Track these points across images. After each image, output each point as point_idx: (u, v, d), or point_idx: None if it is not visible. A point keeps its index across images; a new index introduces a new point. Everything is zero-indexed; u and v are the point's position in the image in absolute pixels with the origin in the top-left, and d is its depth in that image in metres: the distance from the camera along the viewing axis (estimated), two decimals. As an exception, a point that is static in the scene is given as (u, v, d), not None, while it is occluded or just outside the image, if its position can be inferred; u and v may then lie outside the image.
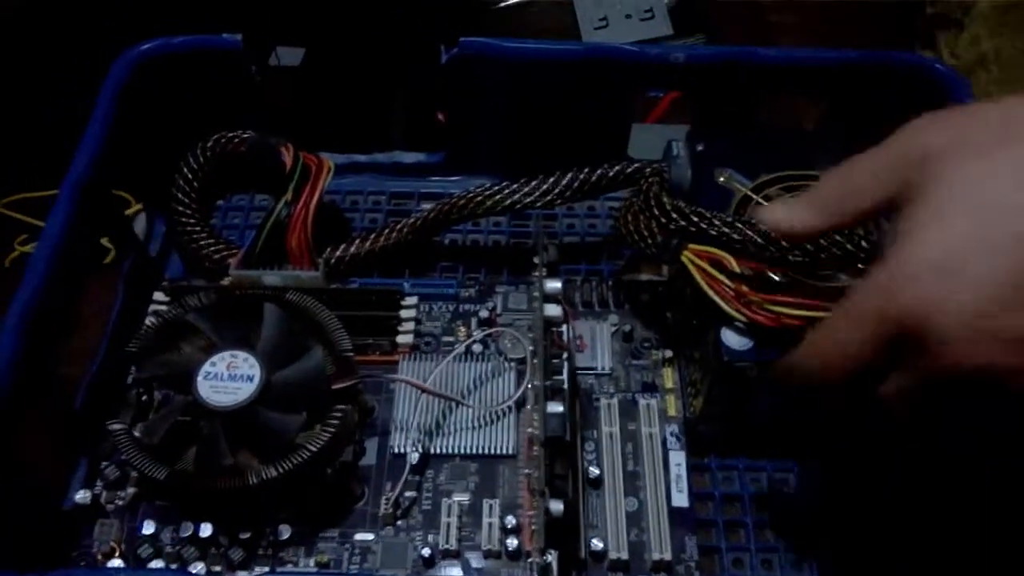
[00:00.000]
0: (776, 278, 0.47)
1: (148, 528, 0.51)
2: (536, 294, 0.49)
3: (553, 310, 0.47)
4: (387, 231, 0.60)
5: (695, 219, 0.50)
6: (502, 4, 0.86)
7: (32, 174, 0.75)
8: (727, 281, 0.47)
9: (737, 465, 0.55)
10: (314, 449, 0.47)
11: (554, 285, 0.48)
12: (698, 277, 0.48)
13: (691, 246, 0.49)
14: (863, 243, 0.50)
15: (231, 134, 0.60)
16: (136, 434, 0.49)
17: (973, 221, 0.33)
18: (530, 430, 0.50)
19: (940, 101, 0.56)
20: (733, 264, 0.47)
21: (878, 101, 0.57)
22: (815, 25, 0.85)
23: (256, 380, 0.48)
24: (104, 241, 0.60)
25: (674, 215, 0.51)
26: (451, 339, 0.59)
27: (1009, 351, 0.33)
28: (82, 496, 0.51)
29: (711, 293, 0.47)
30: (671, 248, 0.50)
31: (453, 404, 0.55)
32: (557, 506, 0.43)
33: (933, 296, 0.33)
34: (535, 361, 0.48)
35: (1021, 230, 0.33)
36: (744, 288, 0.46)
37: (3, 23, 0.76)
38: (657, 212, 0.52)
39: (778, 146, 0.56)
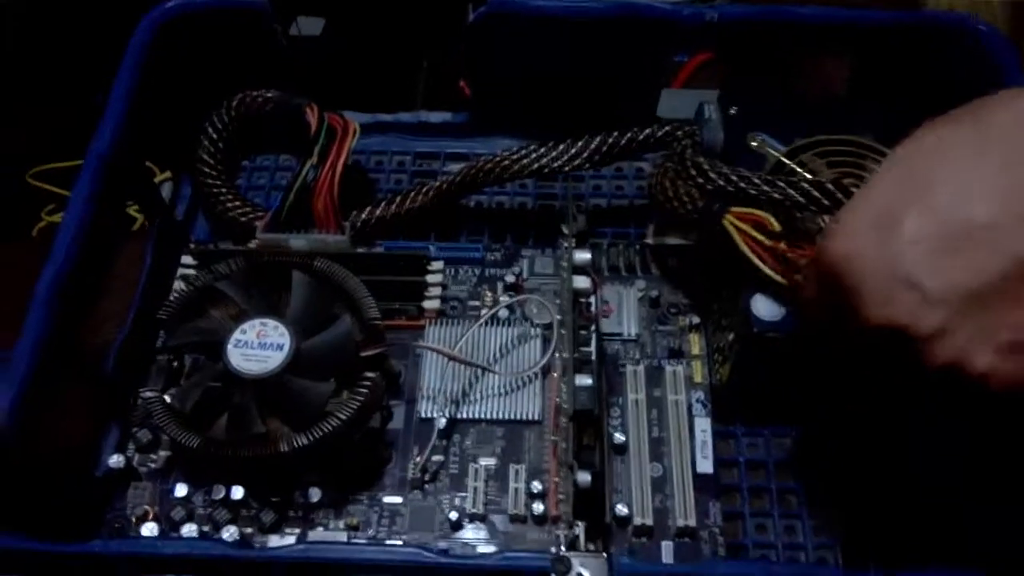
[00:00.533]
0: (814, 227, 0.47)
1: (181, 491, 0.51)
2: (564, 264, 0.48)
3: (582, 282, 0.47)
4: (413, 194, 0.59)
5: (735, 179, 0.49)
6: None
7: (57, 144, 0.76)
8: (770, 243, 0.46)
9: (763, 432, 0.55)
10: (344, 417, 0.47)
11: (583, 256, 0.48)
12: (740, 241, 0.47)
13: (733, 209, 0.48)
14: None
15: (255, 93, 0.60)
16: (168, 401, 0.49)
17: (921, 185, 0.33)
18: (558, 400, 0.50)
19: (982, 62, 0.55)
20: (775, 224, 0.47)
21: (914, 62, 0.56)
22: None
23: (286, 348, 0.48)
24: (131, 210, 0.60)
25: (712, 175, 0.50)
26: (477, 303, 0.59)
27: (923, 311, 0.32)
28: (115, 460, 0.51)
29: (754, 258, 0.47)
30: (713, 212, 0.49)
31: (479, 370, 0.55)
32: (585, 477, 0.43)
33: (859, 246, 0.33)
34: (562, 331, 0.48)
35: (966, 207, 0.32)
36: (783, 246, 0.45)
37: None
38: (695, 173, 0.51)
39: (811, 111, 0.55)
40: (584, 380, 0.44)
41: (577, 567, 0.39)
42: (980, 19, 0.56)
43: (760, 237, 0.47)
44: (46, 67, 0.75)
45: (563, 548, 0.40)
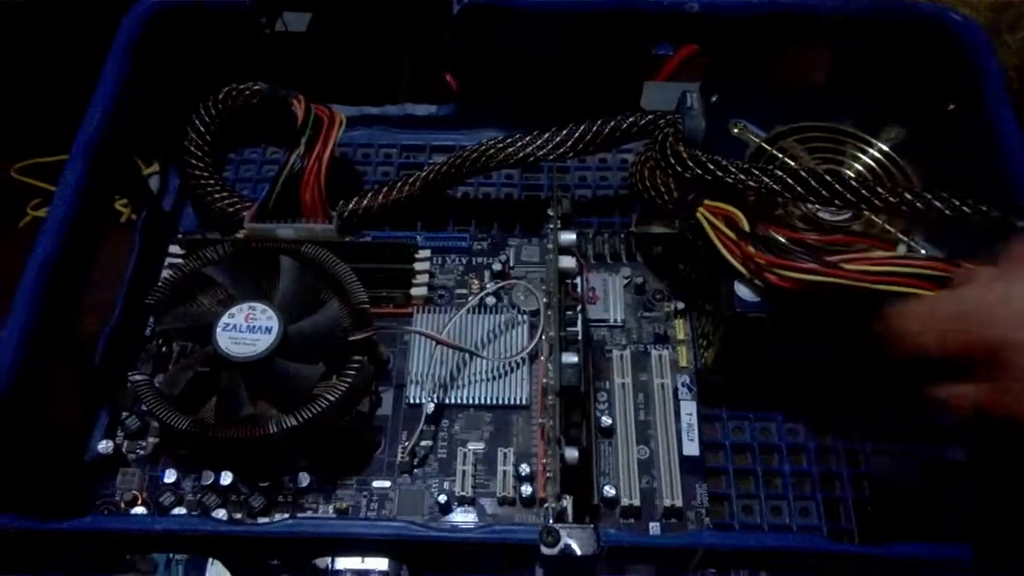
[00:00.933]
0: (781, 240, 0.48)
1: (169, 477, 0.52)
2: (550, 246, 0.49)
3: (567, 262, 0.48)
4: (400, 184, 0.60)
5: (711, 167, 0.50)
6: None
7: (42, 139, 0.75)
8: (738, 239, 0.47)
9: (747, 415, 0.56)
10: (332, 399, 0.47)
11: (568, 237, 0.48)
12: (712, 234, 0.48)
13: (706, 203, 0.49)
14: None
15: (242, 86, 0.60)
16: (157, 385, 0.49)
17: None
18: (544, 380, 0.50)
19: (957, 53, 0.56)
20: (744, 224, 0.48)
21: (892, 52, 0.57)
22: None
23: (274, 331, 0.49)
24: (119, 205, 0.60)
25: (690, 163, 0.51)
26: (464, 292, 0.59)
27: None
28: (104, 446, 0.52)
29: (723, 251, 0.48)
30: (686, 204, 0.50)
31: (467, 355, 0.55)
32: (572, 453, 0.44)
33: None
34: (549, 313, 0.49)
35: None
36: (750, 250, 0.46)
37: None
38: (673, 161, 0.52)
39: (792, 98, 0.56)
40: (570, 358, 0.44)
41: (565, 538, 0.39)
42: (956, 10, 0.57)
43: (729, 232, 0.48)
44: (31, 61, 0.75)
45: (551, 521, 0.40)
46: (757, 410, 0.56)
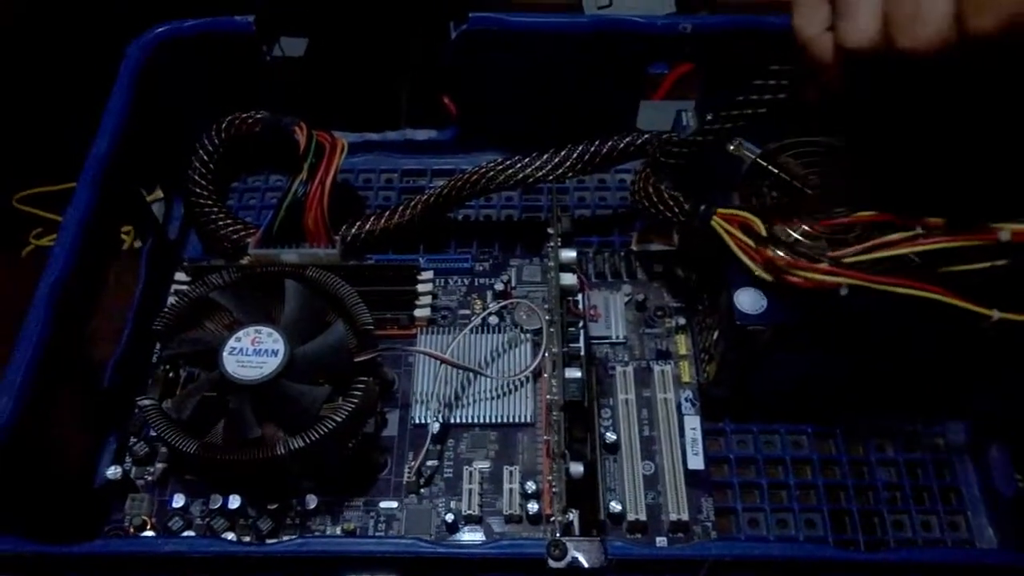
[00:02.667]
0: (795, 235, 0.48)
1: (178, 501, 0.52)
2: (551, 263, 0.50)
3: (569, 279, 0.48)
4: (402, 208, 0.60)
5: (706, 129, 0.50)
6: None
7: (43, 168, 0.76)
8: (756, 245, 0.47)
9: (751, 429, 0.56)
10: (338, 420, 0.48)
11: (569, 255, 0.49)
12: (729, 241, 0.49)
13: (719, 210, 0.50)
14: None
15: (245, 115, 0.61)
16: (165, 410, 0.50)
17: None
18: (548, 396, 0.51)
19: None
20: (762, 228, 0.48)
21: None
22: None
23: (281, 354, 0.49)
24: (125, 234, 0.61)
25: (688, 140, 0.52)
26: (467, 312, 0.60)
27: None
28: (113, 472, 0.52)
29: (744, 257, 0.48)
30: (700, 213, 0.51)
31: (471, 375, 0.56)
32: (577, 468, 0.44)
33: None
34: (551, 330, 0.49)
35: None
36: (769, 253, 0.47)
37: (13, 19, 0.77)
38: (674, 151, 0.52)
39: (787, 114, 0.57)
40: (573, 372, 0.45)
41: (572, 551, 0.39)
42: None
43: (746, 239, 0.48)
44: (32, 89, 0.76)
45: (558, 534, 0.40)
46: (761, 423, 0.56)
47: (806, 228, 0.51)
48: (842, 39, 0.38)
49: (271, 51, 0.63)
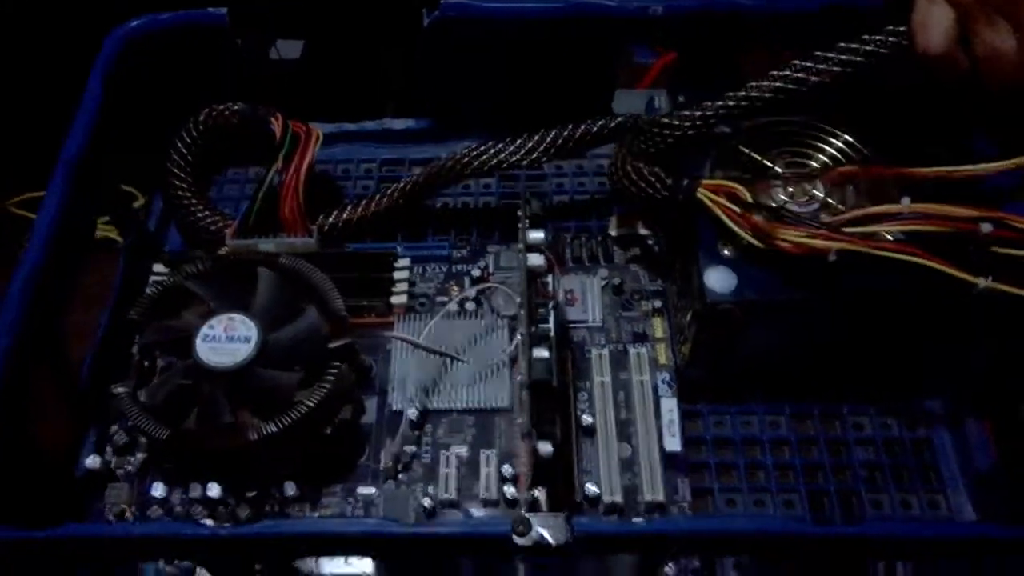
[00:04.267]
0: (783, 197, 0.49)
1: (157, 490, 0.52)
2: (520, 245, 0.50)
3: (536, 259, 0.48)
4: (378, 197, 0.61)
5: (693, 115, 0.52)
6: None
7: (38, 173, 0.77)
8: (743, 211, 0.48)
9: (729, 410, 0.56)
10: (311, 405, 0.48)
11: (536, 235, 0.49)
12: (717, 210, 0.49)
13: (704, 182, 0.50)
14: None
15: (221, 107, 0.62)
16: (140, 398, 0.50)
17: None
18: (519, 377, 0.51)
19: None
20: (747, 196, 0.48)
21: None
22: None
23: (253, 340, 0.50)
24: (104, 227, 0.62)
25: (675, 122, 0.53)
26: (445, 299, 0.60)
27: None
28: (92, 462, 0.52)
29: (733, 226, 0.48)
30: (684, 188, 0.51)
31: (449, 361, 0.56)
32: (546, 447, 0.44)
33: None
34: (522, 312, 0.49)
35: None
36: (757, 219, 0.47)
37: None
38: (659, 130, 0.54)
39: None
40: (541, 352, 0.45)
41: (537, 527, 0.40)
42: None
43: (733, 207, 0.48)
44: (23, 94, 0.76)
45: (523, 511, 0.40)
46: (738, 404, 0.56)
47: (791, 192, 0.51)
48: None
49: (251, 46, 0.63)
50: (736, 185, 0.48)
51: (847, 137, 0.54)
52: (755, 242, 0.47)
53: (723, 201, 0.48)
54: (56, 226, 0.51)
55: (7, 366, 0.46)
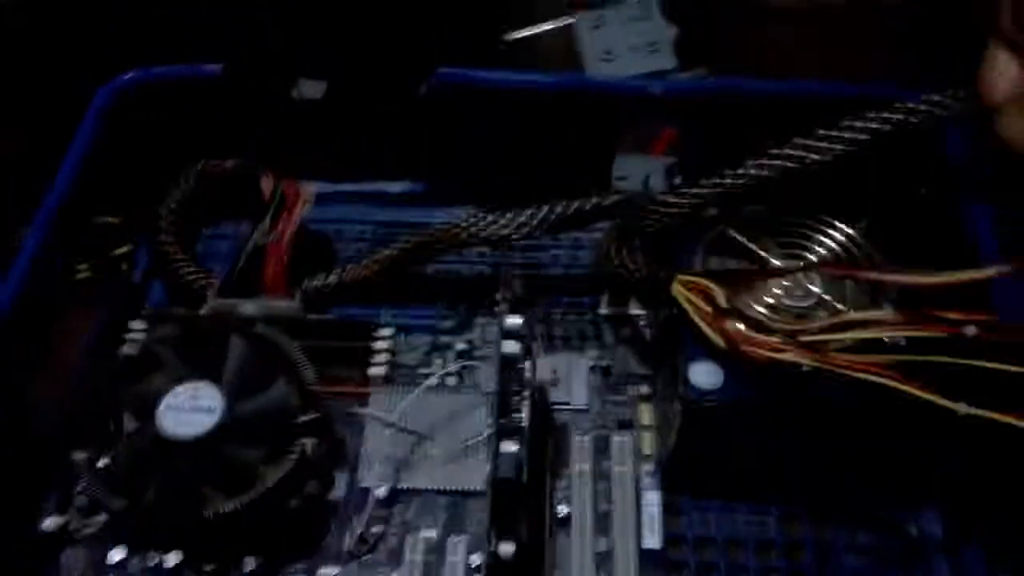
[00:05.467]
0: (759, 308, 0.47)
1: (117, 555, 0.51)
2: (496, 329, 0.48)
3: (511, 347, 0.46)
4: (366, 262, 0.59)
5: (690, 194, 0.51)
6: (512, 37, 0.85)
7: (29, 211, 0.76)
8: (716, 315, 0.46)
9: (712, 506, 0.54)
10: (269, 484, 0.46)
11: (514, 321, 0.47)
12: (689, 309, 0.47)
13: (680, 277, 0.48)
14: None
15: (215, 162, 0.61)
16: (100, 464, 0.49)
17: None
18: (487, 468, 0.49)
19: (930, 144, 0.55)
20: (721, 298, 0.46)
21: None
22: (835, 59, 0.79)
23: (217, 412, 0.48)
24: (86, 271, 0.61)
25: (672, 200, 0.52)
26: (427, 371, 0.58)
27: None
28: (50, 523, 0.51)
29: (704, 326, 0.46)
30: (660, 279, 0.49)
31: (423, 439, 0.54)
32: (507, 548, 0.42)
33: None
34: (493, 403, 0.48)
35: None
36: (727, 326, 0.45)
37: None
38: (655, 207, 0.52)
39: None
40: (509, 447, 0.43)
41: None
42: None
43: (706, 307, 0.46)
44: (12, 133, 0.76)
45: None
46: (723, 499, 0.54)
47: (771, 301, 0.49)
48: None
49: (245, 100, 0.63)
50: (712, 284, 0.47)
51: (848, 230, 0.52)
52: (723, 346, 0.45)
53: (697, 301, 0.46)
54: (30, 275, 0.51)
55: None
